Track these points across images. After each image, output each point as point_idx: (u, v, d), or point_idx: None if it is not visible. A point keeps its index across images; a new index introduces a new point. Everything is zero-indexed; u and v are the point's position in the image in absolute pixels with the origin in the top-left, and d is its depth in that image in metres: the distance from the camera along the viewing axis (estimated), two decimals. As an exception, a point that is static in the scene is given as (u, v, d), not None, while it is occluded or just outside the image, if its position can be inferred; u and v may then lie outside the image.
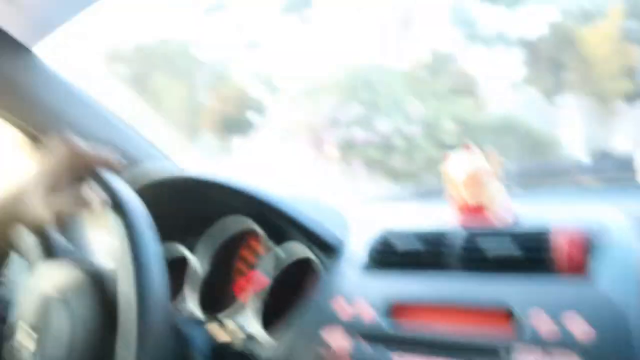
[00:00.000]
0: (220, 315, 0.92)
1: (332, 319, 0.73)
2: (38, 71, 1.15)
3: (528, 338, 0.59)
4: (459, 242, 0.73)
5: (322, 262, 0.87)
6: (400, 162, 8.70)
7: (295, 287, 0.90)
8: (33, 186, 0.63)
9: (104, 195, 0.62)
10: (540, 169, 1.37)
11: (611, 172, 1.27)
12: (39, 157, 1.17)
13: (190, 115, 16.32)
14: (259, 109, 14.62)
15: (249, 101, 15.51)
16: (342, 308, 0.73)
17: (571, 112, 11.10)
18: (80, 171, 0.64)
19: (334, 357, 0.70)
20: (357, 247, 0.83)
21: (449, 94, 9.55)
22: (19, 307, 0.73)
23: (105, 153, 0.66)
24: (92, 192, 0.63)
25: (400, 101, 8.87)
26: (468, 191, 0.77)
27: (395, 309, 0.71)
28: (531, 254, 0.68)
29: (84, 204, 0.62)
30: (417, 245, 0.76)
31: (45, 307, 0.68)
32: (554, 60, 13.75)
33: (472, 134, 8.91)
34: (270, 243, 0.97)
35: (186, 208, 1.07)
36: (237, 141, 13.61)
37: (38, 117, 1.16)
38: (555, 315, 0.59)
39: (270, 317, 0.88)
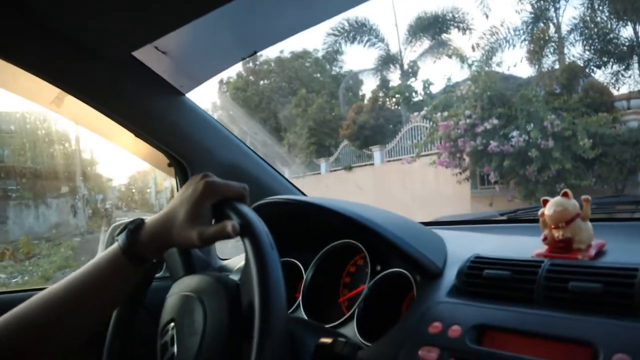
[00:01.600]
0: (327, 325, 1.00)
1: (426, 339, 0.77)
2: (188, 111, 1.38)
3: None
4: (543, 273, 0.75)
5: (420, 284, 0.92)
6: (534, 173, 8.71)
7: (394, 303, 0.96)
8: (181, 213, 0.75)
9: (237, 221, 0.72)
10: (633, 201, 1.30)
11: None
12: (183, 185, 1.42)
13: (331, 126, 16.87)
14: (397, 120, 14.77)
15: (387, 113, 15.78)
16: (437, 329, 0.77)
17: None
18: (218, 201, 0.77)
19: None
20: (451, 271, 0.88)
21: (583, 107, 9.30)
22: (164, 308, 0.89)
23: (238, 186, 0.79)
24: (228, 219, 0.73)
25: (536, 115, 8.83)
26: (557, 227, 0.81)
27: (483, 334, 0.73)
28: (614, 291, 0.67)
29: (222, 229, 0.72)
30: (504, 273, 0.79)
31: (184, 303, 0.83)
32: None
33: (606, 146, 8.73)
34: (370, 259, 1.05)
35: (304, 230, 1.18)
36: (375, 150, 14.25)
37: (184, 148, 1.39)
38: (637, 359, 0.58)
39: (369, 327, 0.94)
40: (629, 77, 14.04)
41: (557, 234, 0.81)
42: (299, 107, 18.39)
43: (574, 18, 13.39)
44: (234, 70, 22.61)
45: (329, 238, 1.17)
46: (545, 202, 0.84)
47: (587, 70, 13.10)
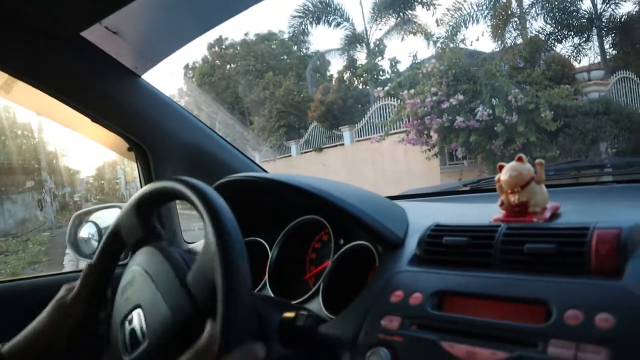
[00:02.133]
0: (294, 302, 1.01)
1: (388, 308, 0.78)
2: (144, 93, 1.36)
3: (562, 333, 0.61)
4: (500, 237, 0.76)
5: (382, 255, 0.93)
6: (499, 147, 8.89)
7: (358, 275, 0.97)
8: None
9: (198, 202, 0.72)
10: (587, 166, 1.36)
11: None
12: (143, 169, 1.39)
13: (299, 108, 16.82)
14: (366, 100, 14.80)
15: (355, 93, 15.80)
16: (398, 298, 0.78)
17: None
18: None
19: (389, 341, 0.75)
20: (413, 241, 0.89)
21: (545, 80, 9.47)
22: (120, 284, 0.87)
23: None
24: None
25: (500, 89, 8.91)
26: (513, 192, 0.82)
27: (443, 300, 0.75)
28: (567, 253, 0.69)
29: None
30: (462, 239, 0.80)
31: (134, 280, 0.82)
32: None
33: (568, 118, 8.95)
34: (333, 234, 1.06)
35: (267, 207, 1.19)
36: (344, 131, 14.21)
37: (143, 131, 1.37)
38: (588, 315, 0.60)
39: (334, 300, 0.96)
40: (589, 49, 14.38)
41: (513, 198, 0.83)
42: (266, 90, 18.26)
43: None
44: (200, 55, 22.40)
45: (293, 215, 1.18)
46: (502, 167, 0.85)
47: (548, 43, 13.37)
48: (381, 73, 16.33)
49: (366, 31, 18.14)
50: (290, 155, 16.83)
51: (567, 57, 12.58)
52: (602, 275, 0.65)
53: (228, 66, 21.03)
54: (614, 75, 10.99)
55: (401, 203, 1.14)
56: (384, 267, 0.89)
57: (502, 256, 0.75)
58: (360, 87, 17.02)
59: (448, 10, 14.02)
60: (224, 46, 21.34)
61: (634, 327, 0.57)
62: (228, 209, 0.71)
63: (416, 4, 16.89)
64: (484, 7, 13.65)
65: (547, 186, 0.84)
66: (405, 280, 0.82)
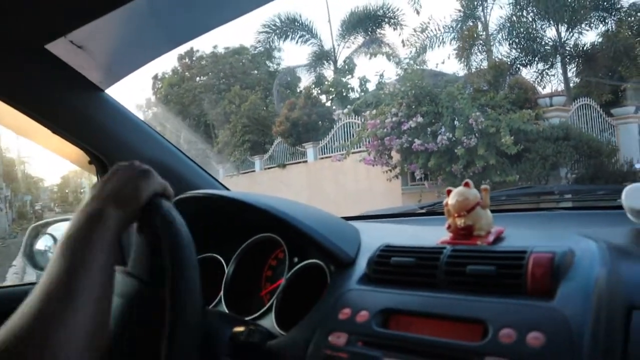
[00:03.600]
0: (247, 318, 1.04)
1: (336, 325, 0.82)
2: (107, 107, 1.38)
3: (497, 350, 0.66)
4: (445, 259, 0.82)
5: (333, 273, 0.98)
6: (459, 170, 9.03)
7: (311, 293, 1.00)
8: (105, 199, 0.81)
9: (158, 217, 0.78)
10: (536, 192, 1.47)
11: (600, 196, 1.35)
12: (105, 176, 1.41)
13: (265, 123, 16.76)
14: (331, 117, 14.87)
15: (320, 109, 15.81)
16: (346, 315, 0.83)
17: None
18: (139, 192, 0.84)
19: (335, 356, 0.79)
20: (363, 260, 0.93)
21: (508, 104, 9.64)
22: None
23: (160, 182, 0.90)
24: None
25: (462, 112, 9.06)
26: (459, 216, 0.88)
27: (389, 318, 0.80)
28: (506, 274, 0.75)
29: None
30: (409, 260, 0.85)
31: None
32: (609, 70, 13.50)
33: (529, 142, 9.13)
34: (288, 252, 1.11)
35: (226, 224, 1.23)
36: (308, 147, 14.25)
37: (105, 145, 1.39)
38: (521, 333, 0.65)
39: (287, 316, 0.99)
40: (553, 75, 14.82)
41: (460, 222, 0.89)
42: (232, 103, 18.39)
43: (502, 17, 14.10)
44: (169, 66, 22.32)
45: (251, 233, 1.22)
46: (450, 192, 0.91)
47: (513, 68, 13.74)
48: (350, 91, 16.40)
49: (334, 48, 18.66)
50: (254, 171, 16.91)
51: (531, 82, 12.91)
52: (536, 297, 0.71)
53: (198, 78, 20.95)
54: (576, 101, 11.34)
55: (357, 224, 1.19)
56: (334, 285, 0.93)
57: (446, 277, 0.80)
58: (327, 104, 17.08)
59: (415, 30, 14.41)
60: (194, 58, 21.28)
61: (561, 345, 0.63)
62: (184, 225, 0.75)
63: (384, 23, 17.28)
64: (451, 29, 14.09)
65: (498, 211, 0.91)
66: (354, 298, 0.87)
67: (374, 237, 1.06)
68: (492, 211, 0.92)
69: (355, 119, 12.44)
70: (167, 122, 20.15)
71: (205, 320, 0.82)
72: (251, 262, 1.21)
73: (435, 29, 14.05)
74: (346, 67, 17.53)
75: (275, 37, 18.59)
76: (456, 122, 9.13)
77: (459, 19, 14.10)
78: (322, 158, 14.12)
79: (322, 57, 18.66)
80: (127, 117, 1.45)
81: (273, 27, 18.08)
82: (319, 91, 17.44)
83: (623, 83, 13.09)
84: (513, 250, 0.79)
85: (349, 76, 17.26)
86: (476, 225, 0.88)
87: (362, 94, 15.07)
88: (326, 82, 17.28)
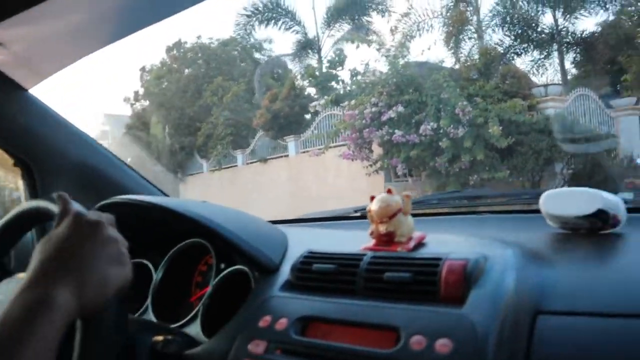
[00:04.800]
0: (173, 325, 1.09)
1: (256, 333, 0.87)
2: (31, 107, 1.38)
3: (407, 357, 0.71)
4: (364, 266, 0.87)
5: (258, 279, 1.03)
6: (444, 165, 8.80)
7: (238, 299, 1.04)
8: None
9: None
10: (467, 196, 1.55)
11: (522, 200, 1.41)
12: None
13: (248, 115, 16.52)
14: (311, 109, 14.69)
15: (304, 101, 15.56)
16: (266, 323, 0.87)
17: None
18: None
19: None
20: (288, 267, 0.98)
21: (499, 93, 9.42)
22: None
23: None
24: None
25: (448, 101, 8.83)
26: (382, 222, 0.93)
27: (308, 326, 0.84)
28: (421, 281, 0.80)
29: None
30: (330, 267, 0.90)
31: None
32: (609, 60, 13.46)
33: (521, 135, 8.87)
34: (216, 258, 1.16)
35: (155, 230, 1.27)
36: (289, 141, 14.10)
37: (29, 147, 1.40)
38: (430, 340, 0.70)
39: (214, 323, 1.03)
40: (550, 64, 14.80)
41: (382, 228, 0.94)
42: (215, 95, 18.22)
43: (496, 4, 13.89)
44: (158, 58, 22.09)
45: (181, 238, 1.26)
46: (373, 198, 0.96)
47: (507, 57, 13.70)
48: (340, 83, 15.98)
49: (318, 37, 18.37)
50: (236, 165, 16.89)
51: (526, 72, 12.84)
52: (448, 303, 0.76)
53: (185, 70, 20.77)
54: (573, 92, 11.14)
55: (288, 228, 1.25)
56: (258, 292, 0.98)
57: (365, 284, 0.86)
58: (310, 95, 16.87)
59: (402, 16, 14.31)
60: (182, 50, 21.18)
61: (468, 351, 0.68)
62: None
63: (371, 10, 17.21)
64: (440, 14, 13.92)
65: (426, 215, 0.95)
66: (275, 305, 0.92)
67: (301, 242, 1.11)
68: (420, 215, 0.97)
69: (338, 110, 12.16)
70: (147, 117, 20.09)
71: (126, 329, 0.85)
72: (181, 267, 1.25)
73: (424, 14, 13.93)
74: (337, 58, 16.82)
75: (257, 23, 18.42)
76: (442, 113, 8.89)
77: (450, 3, 13.87)
78: (304, 152, 13.94)
79: (306, 45, 18.51)
80: (53, 118, 1.46)
81: (255, 11, 18.08)
82: (304, 82, 17.08)
83: (622, 74, 12.96)
84: (429, 257, 0.85)
85: (339, 68, 16.96)
86: (397, 232, 0.93)
87: (354, 86, 14.78)
88: (307, 72, 16.98)
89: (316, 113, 13.70)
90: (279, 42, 43.43)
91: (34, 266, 0.70)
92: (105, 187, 1.48)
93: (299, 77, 17.44)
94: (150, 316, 1.17)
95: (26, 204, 0.97)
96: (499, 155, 8.97)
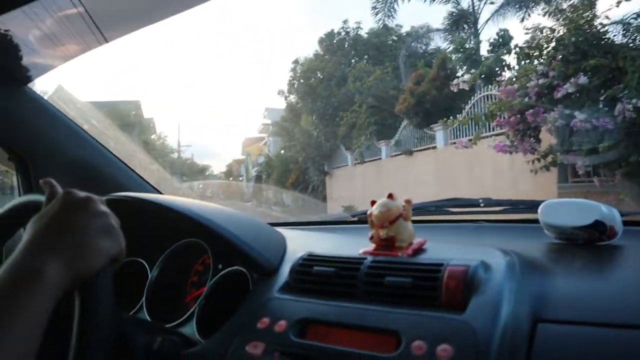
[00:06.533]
0: (168, 325, 1.15)
1: (254, 334, 0.94)
2: (29, 102, 1.45)
3: None
4: (364, 270, 0.93)
5: (256, 281, 1.10)
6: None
7: (235, 300, 1.11)
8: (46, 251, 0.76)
9: None
10: (465, 204, 1.61)
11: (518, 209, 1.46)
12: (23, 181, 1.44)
13: (392, 103, 16.00)
14: (468, 91, 13.21)
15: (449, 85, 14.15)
16: (264, 324, 0.94)
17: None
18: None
19: None
20: (287, 269, 1.05)
21: None
22: None
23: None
24: None
25: None
26: (382, 227, 1.02)
27: (307, 328, 0.91)
28: (422, 287, 0.87)
29: None
30: (330, 270, 0.97)
31: None
32: None
33: None
34: (213, 258, 1.22)
35: (153, 228, 1.33)
36: (437, 130, 12.79)
37: (25, 141, 1.48)
38: (432, 345, 0.77)
39: (210, 324, 1.10)
40: None
41: (382, 232, 1.01)
42: (357, 81, 17.70)
43: None
44: (311, 50, 22.63)
45: (178, 237, 1.33)
46: (373, 203, 1.03)
47: None
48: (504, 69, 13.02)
49: (473, 6, 16.69)
50: (380, 158, 16.22)
51: None
52: (449, 309, 0.82)
53: (341, 63, 21.28)
54: None
55: (286, 231, 1.32)
56: (256, 293, 1.05)
57: (366, 287, 0.92)
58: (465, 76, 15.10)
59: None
60: (335, 41, 21.94)
61: (469, 357, 0.74)
62: None
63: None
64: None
65: (424, 222, 1.05)
66: (273, 307, 0.98)
67: (300, 245, 1.18)
68: (419, 222, 1.04)
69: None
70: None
71: (121, 328, 0.93)
72: (177, 267, 1.32)
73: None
74: (500, 40, 13.80)
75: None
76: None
77: None
78: (454, 143, 11.41)
79: (459, 19, 16.91)
80: (51, 113, 1.52)
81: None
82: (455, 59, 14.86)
83: None
84: (430, 262, 0.91)
85: (504, 51, 14.19)
86: (398, 237, 1.00)
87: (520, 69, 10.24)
88: (460, 42, 14.99)
89: (468, 93, 10.80)
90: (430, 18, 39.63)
91: (25, 239, 0.76)
92: (102, 183, 1.58)
93: (450, 54, 15.49)
94: (145, 315, 1.23)
95: (20, 198, 1.03)
96: None
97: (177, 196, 1.37)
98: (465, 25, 16.79)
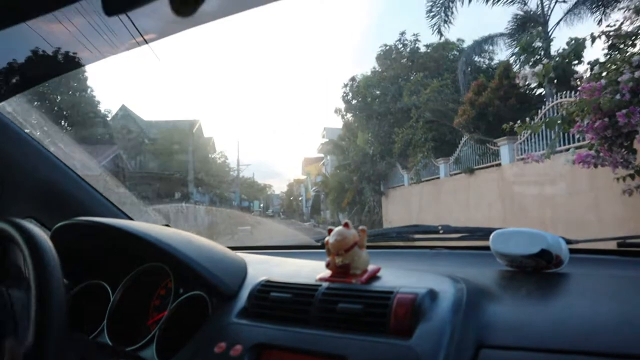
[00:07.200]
0: (128, 349, 1.19)
1: (211, 358, 1.00)
2: None
3: None
4: (319, 296, 0.99)
5: (215, 305, 1.15)
6: None
7: (194, 324, 1.16)
8: None
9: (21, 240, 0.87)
10: (425, 230, 1.68)
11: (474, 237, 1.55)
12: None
13: (450, 117, 15.43)
14: (537, 99, 11.50)
15: (518, 92, 12.29)
16: (220, 349, 1.00)
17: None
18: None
19: None
20: (246, 294, 1.11)
21: None
22: None
23: None
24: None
25: None
26: (338, 254, 1.09)
27: (262, 353, 0.97)
28: (372, 313, 0.92)
29: None
30: (286, 296, 1.03)
31: None
32: None
33: None
34: (175, 282, 1.27)
35: (116, 252, 1.38)
36: (502, 145, 12.01)
37: None
38: None
39: (170, 348, 1.15)
40: None
41: (338, 260, 1.07)
42: (414, 95, 17.49)
43: None
44: (369, 66, 22.67)
45: (141, 262, 1.38)
46: (330, 231, 1.09)
47: None
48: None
49: (542, 7, 15.38)
50: (438, 177, 15.72)
51: None
52: (397, 335, 0.88)
53: (398, 77, 20.94)
54: None
55: (248, 256, 1.39)
56: (215, 318, 1.10)
57: (319, 313, 0.97)
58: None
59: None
60: (392, 55, 22.18)
61: None
62: (53, 254, 0.89)
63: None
64: None
65: (386, 247, 1.11)
66: (231, 331, 1.03)
67: (261, 270, 1.24)
68: (380, 247, 1.12)
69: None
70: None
71: (81, 352, 0.97)
72: (140, 290, 1.36)
73: None
74: (571, 50, 13.27)
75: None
76: None
77: None
78: (521, 160, 10.86)
79: (526, 21, 15.82)
80: (17, 135, 1.56)
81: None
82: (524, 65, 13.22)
83: None
84: (381, 290, 0.97)
85: (575, 61, 12.92)
86: (353, 264, 1.07)
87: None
88: (524, 43, 13.43)
89: (537, 103, 10.54)
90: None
91: None
92: (71, 207, 1.63)
93: (516, 61, 14.85)
94: (105, 339, 1.27)
95: None
96: None
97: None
98: (534, 31, 15.22)
